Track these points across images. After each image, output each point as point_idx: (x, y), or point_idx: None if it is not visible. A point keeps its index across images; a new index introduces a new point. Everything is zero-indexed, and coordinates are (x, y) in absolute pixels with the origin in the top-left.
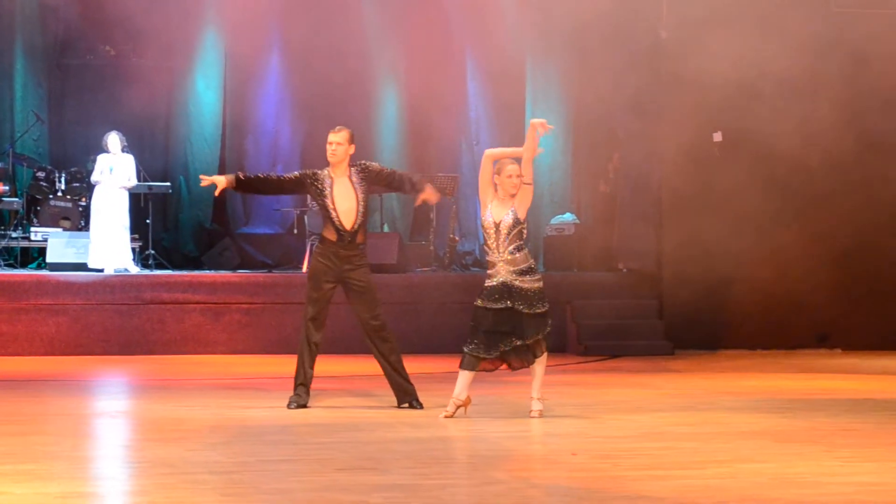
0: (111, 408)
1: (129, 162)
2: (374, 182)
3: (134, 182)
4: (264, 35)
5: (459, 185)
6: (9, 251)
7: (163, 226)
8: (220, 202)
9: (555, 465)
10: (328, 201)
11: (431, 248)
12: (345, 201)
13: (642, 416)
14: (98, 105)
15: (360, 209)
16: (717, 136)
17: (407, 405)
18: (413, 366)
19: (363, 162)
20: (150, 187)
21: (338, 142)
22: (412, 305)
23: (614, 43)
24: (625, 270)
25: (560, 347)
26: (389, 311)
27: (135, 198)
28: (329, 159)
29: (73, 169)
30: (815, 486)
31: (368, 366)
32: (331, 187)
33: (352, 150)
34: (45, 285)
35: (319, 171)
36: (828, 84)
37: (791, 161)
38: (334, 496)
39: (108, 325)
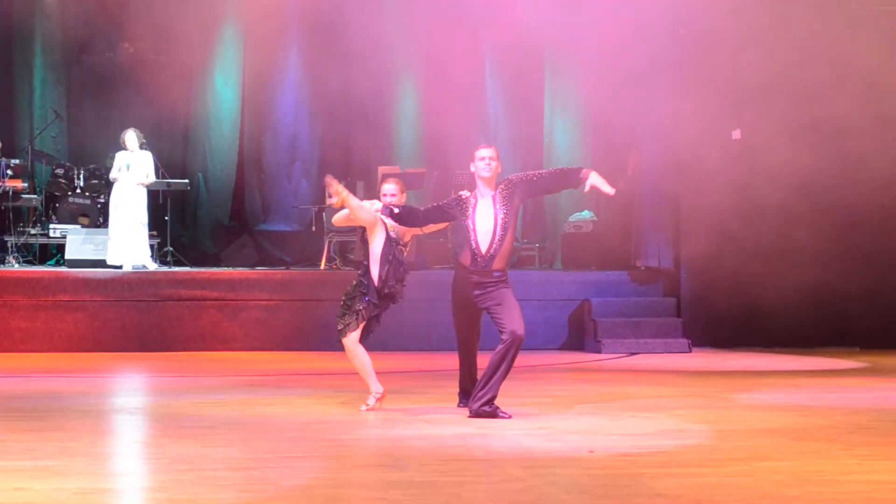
0: (129, 404)
1: (147, 159)
2: (526, 192)
3: (152, 179)
4: (283, 33)
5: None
6: (28, 248)
7: (181, 223)
8: (239, 199)
9: (573, 462)
10: (468, 221)
11: (450, 245)
12: (485, 222)
13: (660, 414)
14: (117, 102)
15: (499, 232)
16: (737, 134)
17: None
18: (432, 363)
19: (507, 178)
20: (168, 184)
21: (490, 156)
22: (430, 303)
23: (633, 40)
24: (643, 268)
25: (577, 345)
26: (407, 308)
27: (153, 195)
28: (482, 174)
29: (91, 166)
30: (833, 484)
31: (384, 363)
32: (474, 207)
33: (499, 168)
34: (64, 282)
35: (464, 193)
36: (848, 81)
37: (810, 158)
38: (352, 493)
39: (126, 321)
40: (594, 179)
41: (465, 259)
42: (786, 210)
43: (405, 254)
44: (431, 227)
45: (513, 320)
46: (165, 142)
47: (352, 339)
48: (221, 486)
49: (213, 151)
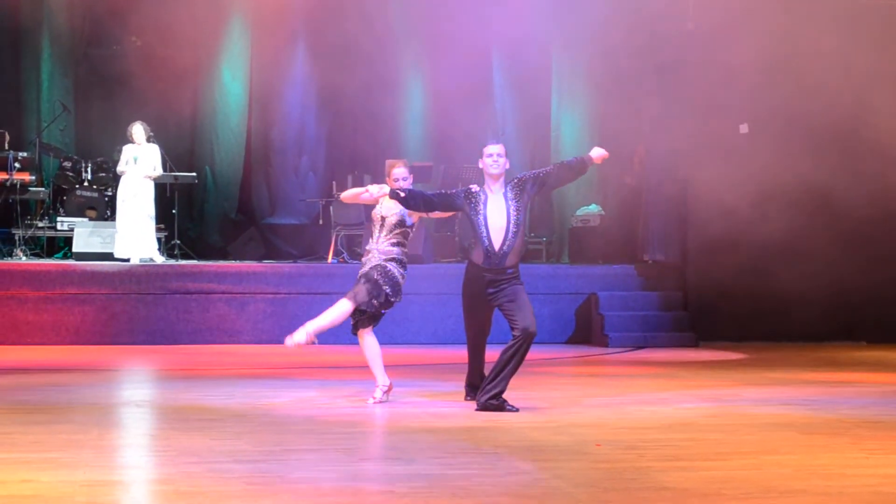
0: (136, 397)
1: (154, 152)
2: (535, 189)
3: (159, 172)
4: (290, 27)
5: None
6: (35, 241)
7: (188, 216)
8: (246, 193)
9: (580, 455)
10: (480, 217)
11: (457, 238)
12: (498, 218)
13: (667, 408)
14: (124, 95)
15: (512, 229)
16: (744, 129)
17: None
18: (440, 356)
19: (516, 176)
20: (175, 177)
21: (499, 153)
22: (438, 296)
23: (640, 34)
24: (650, 262)
25: (584, 339)
26: (415, 301)
27: (161, 188)
28: (491, 171)
29: (99, 159)
30: (840, 478)
31: (393, 356)
32: (485, 203)
33: (507, 165)
34: (71, 275)
35: (473, 187)
36: (855, 70)
37: (819, 153)
38: (360, 486)
39: (133, 314)
40: (596, 157)
41: (478, 257)
42: (793, 205)
43: (409, 238)
44: (436, 214)
45: (525, 317)
46: (173, 135)
47: (366, 330)
48: (229, 478)
49: (220, 145)
